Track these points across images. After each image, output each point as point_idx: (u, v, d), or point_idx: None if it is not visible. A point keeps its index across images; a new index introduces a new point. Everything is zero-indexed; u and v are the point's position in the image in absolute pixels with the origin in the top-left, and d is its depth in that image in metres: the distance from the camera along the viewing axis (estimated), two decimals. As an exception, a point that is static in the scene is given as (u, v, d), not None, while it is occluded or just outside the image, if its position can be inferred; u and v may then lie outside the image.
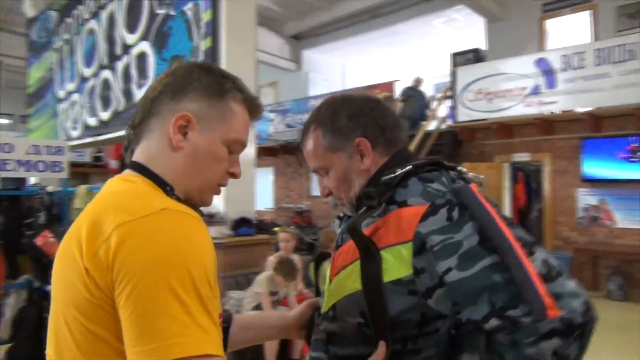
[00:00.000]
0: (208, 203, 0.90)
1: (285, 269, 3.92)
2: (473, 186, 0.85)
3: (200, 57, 5.27)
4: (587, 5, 8.13)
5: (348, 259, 0.91)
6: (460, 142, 8.83)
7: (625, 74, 6.48)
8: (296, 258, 4.42)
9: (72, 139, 8.41)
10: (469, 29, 10.55)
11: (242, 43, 5.27)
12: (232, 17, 5.16)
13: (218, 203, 4.96)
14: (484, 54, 9.51)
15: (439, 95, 9.62)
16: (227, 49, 5.09)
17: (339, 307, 0.92)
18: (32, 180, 8.09)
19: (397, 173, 0.90)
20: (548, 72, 7.26)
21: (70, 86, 8.57)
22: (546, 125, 7.60)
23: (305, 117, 11.22)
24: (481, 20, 9.42)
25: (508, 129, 8.14)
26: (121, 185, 0.81)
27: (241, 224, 4.87)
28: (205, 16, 5.28)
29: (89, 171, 14.16)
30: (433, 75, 13.65)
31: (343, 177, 1.00)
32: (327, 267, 4.30)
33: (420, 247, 0.82)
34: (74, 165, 14.00)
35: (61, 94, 8.92)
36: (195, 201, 0.87)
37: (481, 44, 9.67)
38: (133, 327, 0.65)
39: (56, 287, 0.78)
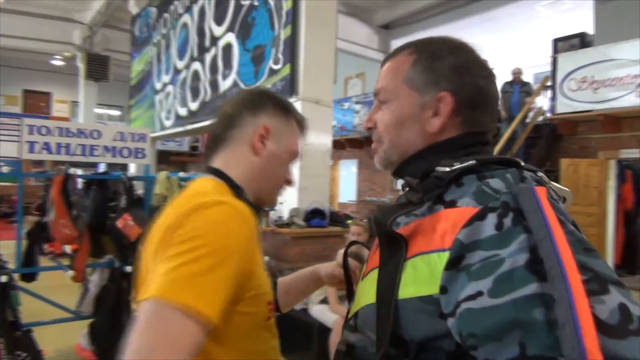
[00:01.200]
0: (274, 203, 1.07)
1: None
2: (541, 189, 0.63)
3: (281, 47, 5.28)
4: None
5: (377, 260, 0.75)
6: (559, 136, 8.09)
7: None
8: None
9: (165, 129, 8.90)
10: (575, 13, 9.62)
11: (322, 31, 5.20)
12: (312, 5, 5.10)
13: (292, 194, 4.95)
14: (591, 39, 8.61)
15: (537, 85, 8.89)
16: (306, 37, 5.04)
17: (360, 317, 0.78)
18: (133, 167, 8.69)
19: (454, 167, 0.71)
20: (668, 58, 6.39)
21: (166, 78, 9.07)
22: (663, 118, 6.72)
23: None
24: (589, 2, 8.52)
25: (616, 121, 7.30)
26: (197, 187, 0.95)
27: (314, 215, 4.82)
28: (286, 5, 5.27)
29: (187, 160, 15.04)
30: (534, 64, 12.75)
31: (401, 121, 0.81)
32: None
33: (455, 261, 0.63)
34: (173, 154, 15.02)
35: (158, 85, 9.48)
36: (264, 200, 1.04)
37: (588, 28, 8.77)
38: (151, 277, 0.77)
39: (136, 277, 0.90)
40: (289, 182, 1.06)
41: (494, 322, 0.56)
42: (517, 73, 8.50)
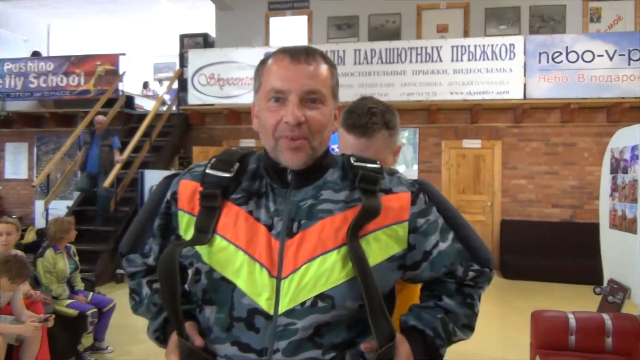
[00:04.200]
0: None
1: (13, 268, 3.17)
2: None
3: None
4: (305, 10, 9.14)
5: (329, 244, 0.88)
6: (190, 125, 8.76)
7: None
8: (20, 254, 3.62)
9: None
10: (196, 12, 10.50)
11: None
12: None
13: None
14: (213, 40, 9.63)
15: (162, 76, 9.28)
16: None
17: (337, 295, 0.86)
18: None
19: (377, 165, 0.96)
20: (275, 66, 7.86)
21: None
22: (271, 115, 8.23)
23: (0, 82, 9.22)
24: (209, 5, 9.49)
25: (237, 115, 8.50)
26: None
27: None
28: None
29: None
30: (156, 54, 13.17)
31: (327, 122, 0.95)
32: (58, 260, 3.67)
33: (414, 227, 0.94)
34: None
35: None
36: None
37: (210, 29, 9.76)
38: None
39: None
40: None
41: (454, 253, 0.98)
42: (99, 123, 7.17)
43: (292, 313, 0.86)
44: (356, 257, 0.85)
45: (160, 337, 1.03)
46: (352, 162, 0.95)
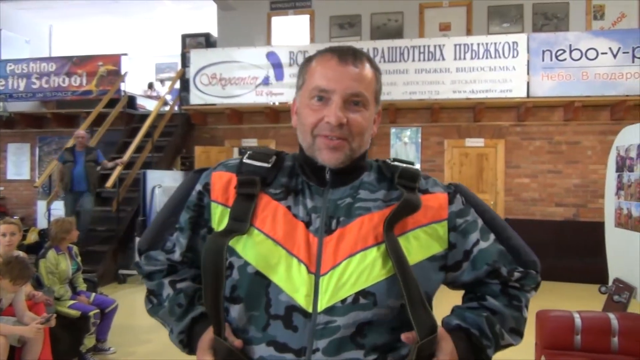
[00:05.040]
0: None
1: (14, 269, 3.15)
2: None
3: None
4: (307, 10, 9.13)
5: (369, 240, 0.86)
6: (192, 125, 8.74)
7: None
8: (22, 255, 3.61)
9: None
10: (198, 12, 10.48)
11: None
12: None
13: None
14: (215, 40, 9.62)
15: (164, 76, 9.25)
16: None
17: (379, 292, 0.84)
18: None
19: (416, 166, 0.97)
20: (277, 66, 7.86)
21: None
22: (273, 114, 8.23)
23: (3, 83, 9.23)
24: (211, 5, 9.48)
25: (239, 115, 8.48)
26: None
27: None
28: None
29: None
30: (158, 54, 13.17)
31: (368, 126, 0.94)
32: (60, 261, 3.63)
33: (453, 226, 0.93)
34: None
35: None
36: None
37: (211, 29, 9.75)
38: None
39: None
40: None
41: (496, 252, 0.95)
42: (81, 137, 6.85)
43: (332, 310, 0.83)
44: (392, 247, 0.84)
45: (185, 340, 0.97)
46: (389, 162, 0.97)
